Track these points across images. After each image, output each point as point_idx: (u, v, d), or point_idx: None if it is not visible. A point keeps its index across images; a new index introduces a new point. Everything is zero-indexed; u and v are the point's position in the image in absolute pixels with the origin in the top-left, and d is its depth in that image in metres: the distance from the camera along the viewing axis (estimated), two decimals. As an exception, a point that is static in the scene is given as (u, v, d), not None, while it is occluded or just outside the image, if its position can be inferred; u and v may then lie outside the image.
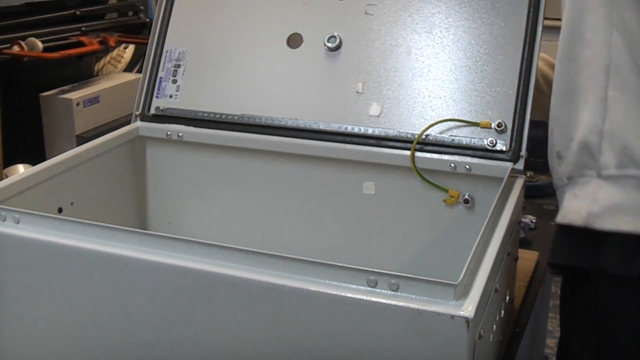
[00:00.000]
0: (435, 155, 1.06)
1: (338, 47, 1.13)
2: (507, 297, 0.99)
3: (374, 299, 0.71)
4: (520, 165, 1.03)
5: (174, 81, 1.22)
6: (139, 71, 2.02)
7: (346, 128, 1.10)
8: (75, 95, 1.71)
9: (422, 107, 1.08)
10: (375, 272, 0.72)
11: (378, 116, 1.09)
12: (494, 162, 1.03)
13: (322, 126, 1.12)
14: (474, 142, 1.05)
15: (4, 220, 0.86)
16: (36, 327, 0.88)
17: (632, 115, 0.87)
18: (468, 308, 0.69)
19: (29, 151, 1.68)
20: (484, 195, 1.04)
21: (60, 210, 1.06)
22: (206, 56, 1.21)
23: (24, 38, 1.66)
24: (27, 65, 1.66)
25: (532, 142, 1.04)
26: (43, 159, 1.06)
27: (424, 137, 1.06)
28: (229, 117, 1.17)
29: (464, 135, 1.05)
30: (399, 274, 0.71)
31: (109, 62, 2.09)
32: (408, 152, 1.06)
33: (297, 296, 0.73)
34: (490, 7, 1.07)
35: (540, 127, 1.09)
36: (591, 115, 0.89)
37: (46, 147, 1.73)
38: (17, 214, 0.86)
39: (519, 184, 0.99)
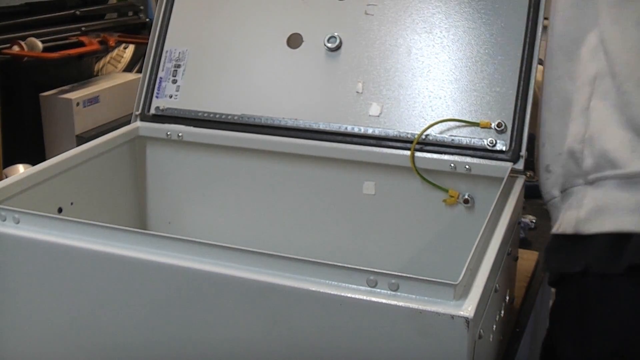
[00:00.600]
0: (435, 155, 1.06)
1: (338, 47, 1.13)
2: (507, 297, 0.99)
3: (373, 299, 0.71)
4: (520, 165, 1.03)
5: (174, 81, 1.22)
6: (139, 71, 2.02)
7: (346, 128, 1.10)
8: (75, 95, 1.71)
9: (422, 107, 1.08)
10: (375, 272, 0.72)
11: (378, 116, 1.09)
12: (494, 162, 1.03)
13: (322, 126, 1.12)
14: (474, 142, 1.05)
15: (4, 220, 0.86)
16: (36, 327, 0.88)
17: (608, 119, 0.88)
18: (468, 308, 0.69)
19: (29, 151, 1.67)
20: (484, 195, 1.05)
21: (60, 210, 1.06)
22: (206, 56, 1.21)
23: (24, 38, 1.65)
24: (27, 65, 1.66)
25: (532, 142, 1.04)
26: (43, 159, 1.06)
27: (424, 137, 1.06)
28: (229, 117, 1.17)
29: (464, 135, 1.05)
30: (399, 274, 0.71)
31: (109, 62, 2.09)
32: (408, 152, 1.06)
33: (297, 296, 0.73)
34: (490, 7, 1.07)
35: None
36: (576, 125, 0.92)
37: (46, 147, 1.73)
38: (17, 214, 0.86)
39: (519, 184, 0.99)
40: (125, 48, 2.13)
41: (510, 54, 1.05)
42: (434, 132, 1.06)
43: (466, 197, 1.06)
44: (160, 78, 1.23)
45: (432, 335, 0.69)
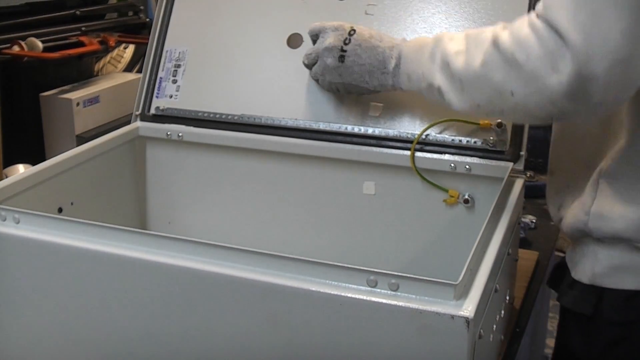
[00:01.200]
0: (435, 155, 1.06)
1: (338, 47, 1.13)
2: (507, 297, 0.99)
3: (374, 299, 0.71)
4: (520, 165, 1.03)
5: (174, 81, 1.22)
6: (139, 71, 2.02)
7: (346, 128, 1.10)
8: (75, 95, 1.71)
9: (422, 107, 1.07)
10: (375, 272, 0.72)
11: (378, 116, 1.09)
12: (493, 162, 1.03)
13: (322, 126, 1.12)
14: (474, 142, 1.05)
15: (4, 220, 0.86)
16: (36, 326, 0.88)
17: (617, 199, 0.89)
18: (468, 308, 0.69)
19: (29, 151, 1.67)
20: (484, 195, 1.04)
21: (60, 210, 1.06)
22: (206, 56, 1.21)
23: (24, 38, 1.65)
24: (27, 65, 1.66)
25: (532, 142, 1.04)
26: (43, 159, 1.06)
27: (424, 137, 1.06)
28: (229, 117, 1.17)
29: (464, 135, 1.05)
30: (399, 274, 0.71)
31: (109, 62, 2.09)
32: (408, 152, 1.06)
33: (297, 296, 0.73)
34: (490, 7, 1.07)
35: (540, 127, 1.09)
36: (584, 194, 0.93)
37: (46, 147, 1.73)
38: (17, 214, 0.86)
39: (519, 184, 0.99)
40: (125, 48, 2.13)
41: (510, 54, 1.05)
42: (434, 132, 1.06)
43: (466, 197, 1.06)
44: (160, 78, 1.23)
45: (432, 335, 0.69)
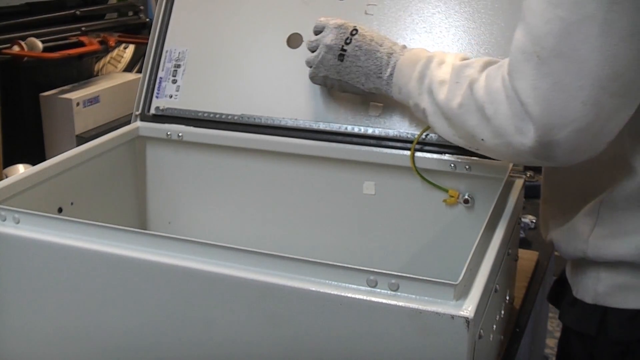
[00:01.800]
0: (435, 155, 1.06)
1: (338, 47, 1.13)
2: (507, 297, 0.99)
3: (373, 299, 0.71)
4: (520, 165, 1.02)
5: (174, 81, 1.22)
6: (139, 71, 2.02)
7: (346, 128, 1.10)
8: (75, 95, 1.71)
9: (422, 107, 1.07)
10: (375, 272, 0.72)
11: (378, 116, 1.09)
12: (494, 162, 1.03)
13: (322, 126, 1.12)
14: (474, 142, 1.05)
15: (4, 220, 0.86)
16: (36, 327, 0.88)
17: (619, 228, 0.88)
18: (468, 308, 0.69)
19: (29, 151, 1.68)
20: (484, 195, 1.04)
21: (60, 210, 1.06)
22: (206, 56, 1.21)
23: (24, 38, 1.66)
24: (27, 65, 1.66)
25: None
26: (43, 159, 1.06)
27: (424, 137, 1.06)
28: (229, 117, 1.17)
29: (464, 135, 1.05)
30: (399, 274, 0.71)
31: (109, 62, 2.09)
32: (408, 152, 1.06)
33: (297, 296, 0.73)
34: (490, 7, 1.07)
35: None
36: (580, 223, 0.92)
37: (46, 147, 1.73)
38: (17, 214, 0.86)
39: (519, 184, 0.99)
40: (125, 48, 2.13)
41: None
42: (434, 132, 1.06)
43: (466, 197, 1.06)
44: (160, 78, 1.23)
45: (432, 335, 0.69)
